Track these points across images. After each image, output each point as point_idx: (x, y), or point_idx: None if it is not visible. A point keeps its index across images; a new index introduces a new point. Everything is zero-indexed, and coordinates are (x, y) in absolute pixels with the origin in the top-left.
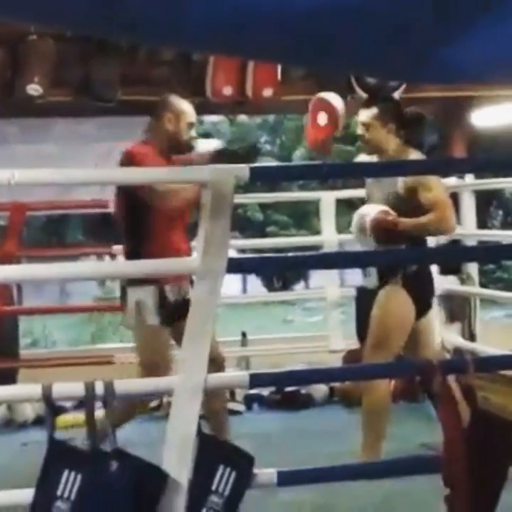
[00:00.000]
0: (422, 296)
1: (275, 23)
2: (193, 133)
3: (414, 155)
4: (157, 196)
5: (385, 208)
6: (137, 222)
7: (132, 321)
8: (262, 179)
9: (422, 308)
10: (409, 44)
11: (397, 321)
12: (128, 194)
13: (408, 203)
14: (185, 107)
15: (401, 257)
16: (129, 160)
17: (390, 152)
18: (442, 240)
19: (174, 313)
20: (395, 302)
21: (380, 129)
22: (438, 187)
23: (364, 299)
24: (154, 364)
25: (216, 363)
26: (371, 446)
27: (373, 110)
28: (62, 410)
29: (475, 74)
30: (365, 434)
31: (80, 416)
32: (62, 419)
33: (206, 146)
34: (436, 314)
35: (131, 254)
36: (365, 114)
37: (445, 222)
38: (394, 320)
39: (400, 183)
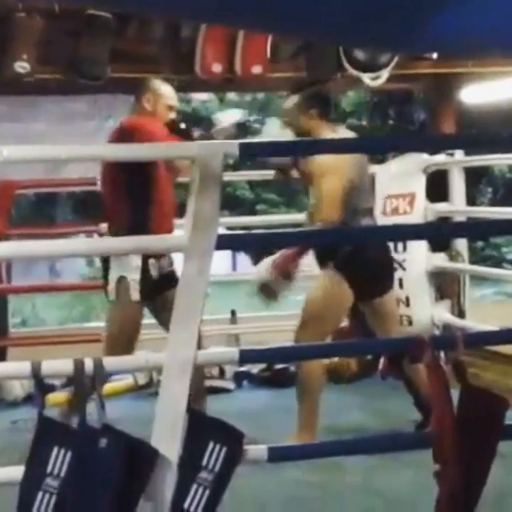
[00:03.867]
0: (362, 277)
1: None
2: (173, 115)
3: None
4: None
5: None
6: (140, 189)
7: (113, 295)
8: (252, 155)
9: (372, 287)
10: (401, 11)
11: (324, 303)
12: (129, 169)
13: None
14: (164, 89)
15: (391, 233)
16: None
17: (315, 137)
18: (430, 216)
19: (155, 289)
20: (324, 285)
21: (300, 115)
22: (332, 177)
23: None
24: (125, 338)
25: None
26: (308, 425)
27: (294, 98)
28: (51, 388)
29: (468, 43)
30: (301, 414)
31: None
32: (52, 397)
33: (227, 118)
34: (422, 293)
35: (134, 221)
36: (287, 102)
37: (328, 218)
38: (320, 303)
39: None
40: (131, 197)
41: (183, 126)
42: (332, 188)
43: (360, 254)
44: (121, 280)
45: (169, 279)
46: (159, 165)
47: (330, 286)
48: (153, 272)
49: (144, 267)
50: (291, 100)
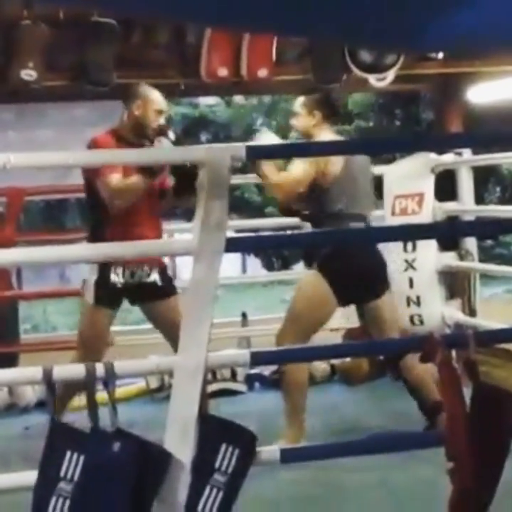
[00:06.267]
0: (344, 279)
1: None
2: (162, 121)
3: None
4: (107, 195)
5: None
6: (98, 208)
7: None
8: (259, 158)
9: (358, 290)
10: (408, 9)
11: (306, 305)
12: (89, 181)
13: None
14: (154, 95)
15: (401, 232)
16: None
17: (315, 138)
18: (439, 216)
19: (120, 296)
20: (306, 287)
21: (306, 116)
22: (306, 162)
23: None
24: (88, 343)
25: None
26: (296, 424)
27: (300, 99)
28: None
29: (476, 40)
30: (288, 414)
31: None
32: None
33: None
34: (432, 292)
35: (92, 239)
36: (295, 103)
37: (279, 190)
38: (302, 305)
39: None
40: (92, 215)
41: (171, 135)
42: (303, 168)
43: (342, 256)
44: (84, 282)
45: (152, 290)
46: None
47: (311, 288)
48: (115, 279)
49: (102, 271)
50: (299, 102)
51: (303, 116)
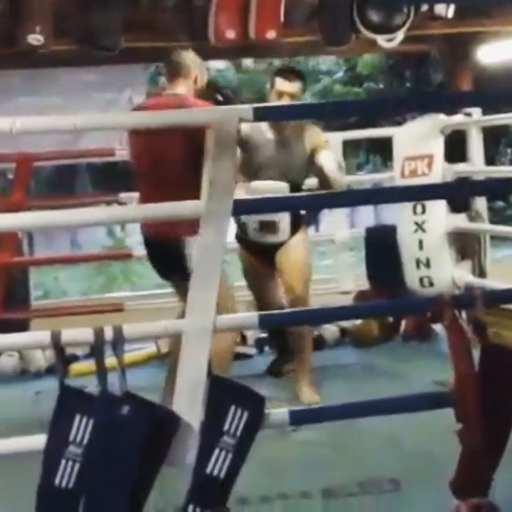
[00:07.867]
0: None
1: None
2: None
3: None
4: None
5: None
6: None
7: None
8: (266, 119)
9: None
10: None
11: (309, 260)
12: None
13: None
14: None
15: (410, 193)
16: None
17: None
18: (449, 177)
19: None
20: (304, 245)
21: (301, 99)
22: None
23: (374, 240)
24: None
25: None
26: (308, 371)
27: (298, 83)
28: (74, 359)
29: None
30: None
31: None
32: (75, 367)
33: None
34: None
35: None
36: (293, 86)
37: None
38: (308, 260)
39: (308, 141)
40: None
41: (227, 93)
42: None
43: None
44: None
45: None
46: None
47: (306, 245)
48: None
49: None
50: (295, 86)
51: (300, 99)
